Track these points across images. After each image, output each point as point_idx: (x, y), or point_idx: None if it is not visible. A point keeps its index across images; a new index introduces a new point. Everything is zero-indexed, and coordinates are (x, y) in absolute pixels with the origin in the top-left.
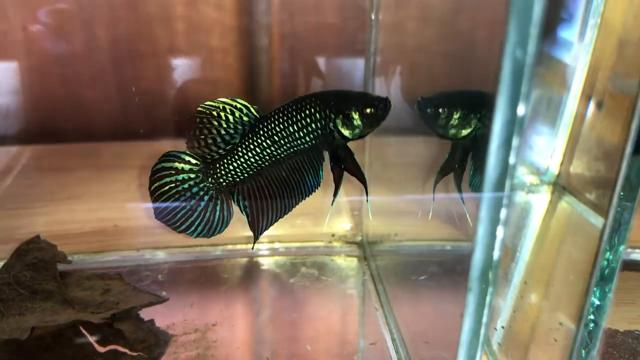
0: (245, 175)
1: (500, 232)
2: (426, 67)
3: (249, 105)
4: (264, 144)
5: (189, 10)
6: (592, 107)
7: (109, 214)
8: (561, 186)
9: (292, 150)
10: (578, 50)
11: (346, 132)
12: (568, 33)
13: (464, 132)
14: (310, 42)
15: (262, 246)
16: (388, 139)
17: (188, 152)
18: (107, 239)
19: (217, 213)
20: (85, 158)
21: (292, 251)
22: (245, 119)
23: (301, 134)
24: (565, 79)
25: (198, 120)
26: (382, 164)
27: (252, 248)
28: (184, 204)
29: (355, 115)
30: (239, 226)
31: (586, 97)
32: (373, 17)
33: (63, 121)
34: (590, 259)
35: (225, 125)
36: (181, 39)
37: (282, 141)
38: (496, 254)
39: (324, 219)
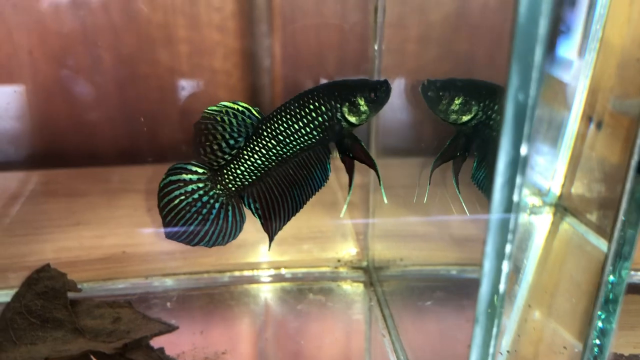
0: (254, 177)
1: (505, 266)
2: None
3: (250, 107)
4: (269, 144)
5: (192, 32)
6: (592, 127)
7: (117, 240)
8: (563, 207)
9: (298, 147)
10: (578, 71)
11: (353, 119)
12: (568, 53)
13: (464, 119)
14: (312, 63)
15: (269, 272)
16: (393, 161)
17: (193, 162)
18: (116, 266)
19: (230, 219)
20: (92, 183)
21: (298, 277)
22: (247, 121)
23: (308, 129)
24: (566, 99)
25: (202, 126)
26: (386, 186)
27: (269, 249)
28: (195, 214)
29: (362, 101)
30: (245, 252)
31: (587, 117)
32: (377, 38)
33: (68, 143)
34: (592, 280)
35: (229, 130)
36: (184, 61)
37: (287, 139)
38: (502, 287)
39: (330, 243)
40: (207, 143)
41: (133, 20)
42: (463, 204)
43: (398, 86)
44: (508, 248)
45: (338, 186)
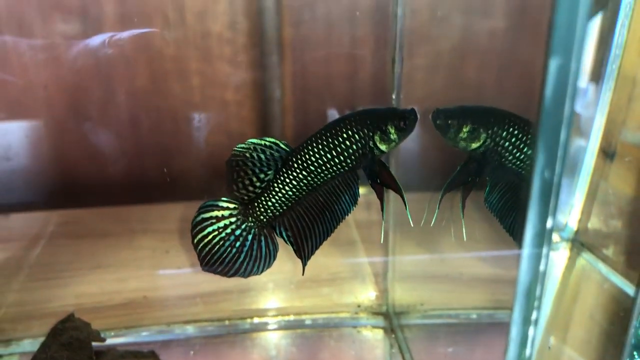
0: (284, 207)
1: (531, 332)
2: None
3: (277, 141)
4: (299, 175)
5: (204, 65)
6: (609, 161)
7: (137, 284)
8: (580, 242)
9: (329, 175)
10: (595, 104)
11: (383, 147)
12: (585, 85)
13: (473, 146)
14: (322, 93)
15: (290, 318)
16: (411, 196)
17: (224, 198)
18: (137, 312)
19: (263, 249)
20: (110, 223)
21: (319, 323)
22: (276, 154)
23: (341, 158)
24: (582, 133)
25: (234, 164)
26: (405, 223)
27: (303, 274)
28: (229, 248)
29: (392, 130)
30: (266, 298)
31: (603, 151)
32: (396, 67)
33: (82, 178)
34: (610, 318)
35: (258, 165)
36: (197, 93)
37: (319, 169)
38: (528, 351)
39: (348, 285)
40: (239, 179)
41: (146, 53)
42: (464, 228)
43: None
44: (534, 314)
45: (354, 224)
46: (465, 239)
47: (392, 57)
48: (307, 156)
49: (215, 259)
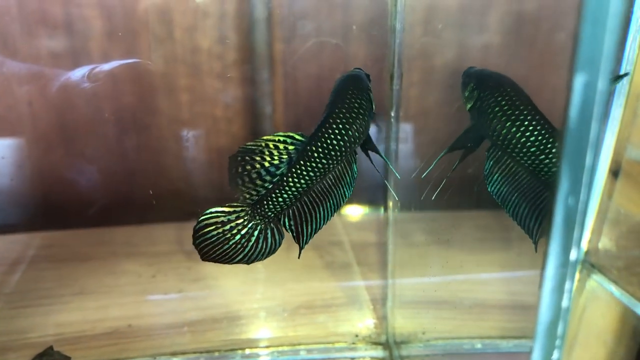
0: (295, 199)
1: None
2: (433, 130)
3: (292, 134)
4: (319, 164)
5: (193, 81)
6: (619, 182)
7: (122, 312)
8: (590, 264)
9: (342, 157)
10: (605, 121)
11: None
12: None
13: (468, 106)
14: (314, 109)
15: (283, 349)
16: (412, 215)
17: (227, 205)
18: (122, 342)
19: (269, 240)
20: (94, 246)
21: (314, 355)
22: (290, 147)
23: (357, 135)
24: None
25: (239, 158)
26: (406, 244)
27: (299, 258)
28: (233, 245)
29: (372, 95)
30: (257, 327)
31: (613, 172)
32: (395, 84)
33: (67, 196)
34: (621, 341)
35: (269, 159)
36: (185, 109)
37: (338, 153)
38: None
39: (345, 312)
40: (245, 173)
41: (133, 70)
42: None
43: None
44: (556, 355)
45: (349, 246)
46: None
47: (391, 74)
48: (328, 141)
49: (217, 255)
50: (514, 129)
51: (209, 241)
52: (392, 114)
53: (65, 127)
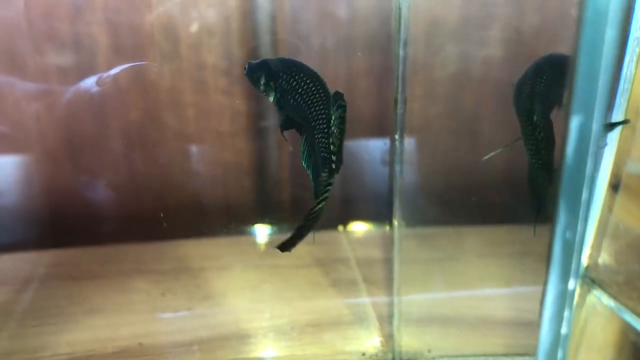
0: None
1: None
2: (433, 143)
3: None
4: None
5: (199, 96)
6: (619, 195)
7: (132, 330)
8: (590, 279)
9: None
10: (604, 138)
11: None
12: None
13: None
14: None
15: None
16: (418, 231)
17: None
18: None
19: None
20: (103, 263)
21: None
22: None
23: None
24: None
25: None
26: (411, 260)
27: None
28: None
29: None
30: (266, 346)
31: (613, 186)
32: (399, 108)
33: (75, 213)
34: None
35: None
36: (191, 124)
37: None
38: None
39: (352, 330)
40: None
41: (140, 85)
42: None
43: (415, 145)
44: None
45: (355, 263)
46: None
47: (395, 98)
48: None
49: None
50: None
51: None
52: (397, 137)
53: (72, 142)
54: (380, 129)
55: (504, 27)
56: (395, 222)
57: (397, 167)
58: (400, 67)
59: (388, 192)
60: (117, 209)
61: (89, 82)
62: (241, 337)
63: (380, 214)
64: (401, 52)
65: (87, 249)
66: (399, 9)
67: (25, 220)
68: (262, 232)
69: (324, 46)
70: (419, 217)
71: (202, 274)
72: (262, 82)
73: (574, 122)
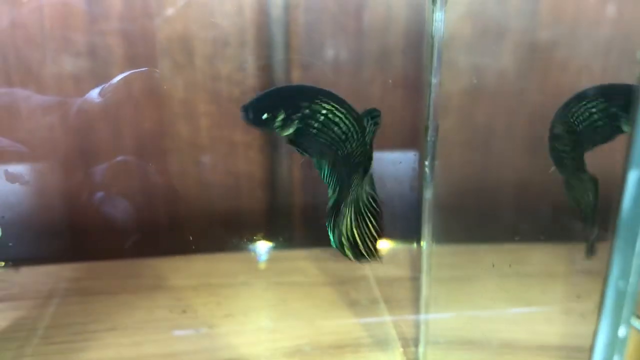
0: None
1: None
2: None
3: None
4: None
5: (213, 106)
6: None
7: (155, 349)
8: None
9: None
10: None
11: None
12: None
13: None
14: None
15: None
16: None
17: None
18: None
19: None
20: (123, 279)
21: None
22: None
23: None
24: None
25: None
26: (442, 278)
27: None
28: None
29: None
30: None
31: None
32: (430, 135)
33: (90, 227)
34: None
35: None
36: (205, 134)
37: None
38: None
39: (374, 352)
40: None
41: (154, 95)
42: None
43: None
44: None
45: (375, 282)
46: None
47: (425, 125)
48: None
49: None
50: None
51: None
52: (427, 163)
53: (85, 152)
54: (403, 143)
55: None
56: (424, 243)
57: (428, 193)
58: (432, 95)
59: (409, 210)
60: (131, 222)
61: (94, 94)
62: (264, 358)
63: (401, 231)
64: (433, 80)
65: (105, 262)
66: (432, 37)
67: (40, 233)
68: (272, 246)
69: (337, 60)
70: (446, 236)
71: (222, 290)
72: (280, 118)
73: (632, 176)
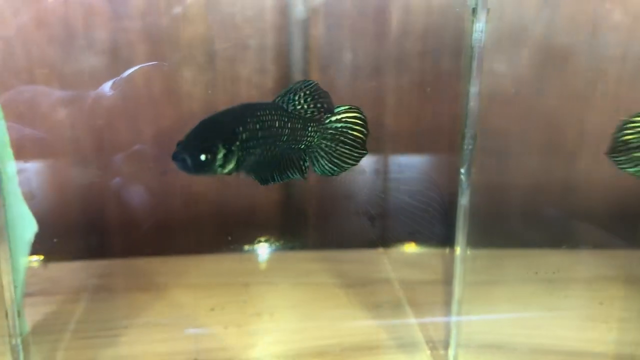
0: None
1: None
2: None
3: None
4: None
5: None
6: None
7: (186, 346)
8: None
9: None
10: None
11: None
12: None
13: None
14: None
15: None
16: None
17: None
18: None
19: None
20: (149, 276)
21: None
22: None
23: None
24: None
25: None
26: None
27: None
28: None
29: None
30: None
31: None
32: (467, 144)
33: (109, 219)
34: None
35: None
36: None
37: None
38: None
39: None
40: None
41: (173, 94)
42: None
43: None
44: None
45: (398, 284)
46: None
47: (462, 133)
48: None
49: None
50: None
51: None
52: (462, 171)
53: (104, 149)
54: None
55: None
56: (458, 248)
57: (463, 199)
58: (470, 103)
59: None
60: (150, 219)
61: (106, 87)
62: (292, 357)
63: (425, 234)
64: (471, 89)
65: (130, 260)
66: (472, 47)
67: (64, 228)
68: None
69: (354, 64)
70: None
71: (248, 289)
72: (219, 157)
73: None
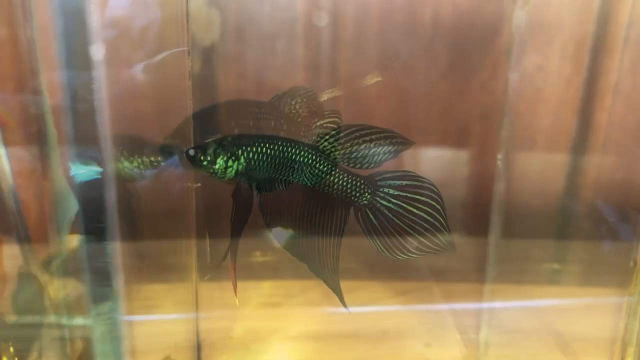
0: None
1: None
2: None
3: None
4: None
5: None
6: None
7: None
8: None
9: None
10: None
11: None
12: None
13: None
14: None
15: None
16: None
17: None
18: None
19: None
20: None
21: None
22: None
23: None
24: None
25: None
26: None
27: None
28: None
29: None
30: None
31: None
32: (505, 123)
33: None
34: None
35: None
36: None
37: None
38: None
39: (439, 340)
40: None
41: (205, 83)
42: None
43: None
44: None
45: (429, 270)
46: None
47: (499, 120)
48: None
49: None
50: None
51: None
52: (499, 157)
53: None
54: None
55: None
56: (492, 235)
57: (499, 186)
58: (509, 90)
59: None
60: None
61: (138, 69)
62: (328, 338)
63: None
64: (511, 76)
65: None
66: (513, 35)
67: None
68: None
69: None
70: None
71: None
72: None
73: None
